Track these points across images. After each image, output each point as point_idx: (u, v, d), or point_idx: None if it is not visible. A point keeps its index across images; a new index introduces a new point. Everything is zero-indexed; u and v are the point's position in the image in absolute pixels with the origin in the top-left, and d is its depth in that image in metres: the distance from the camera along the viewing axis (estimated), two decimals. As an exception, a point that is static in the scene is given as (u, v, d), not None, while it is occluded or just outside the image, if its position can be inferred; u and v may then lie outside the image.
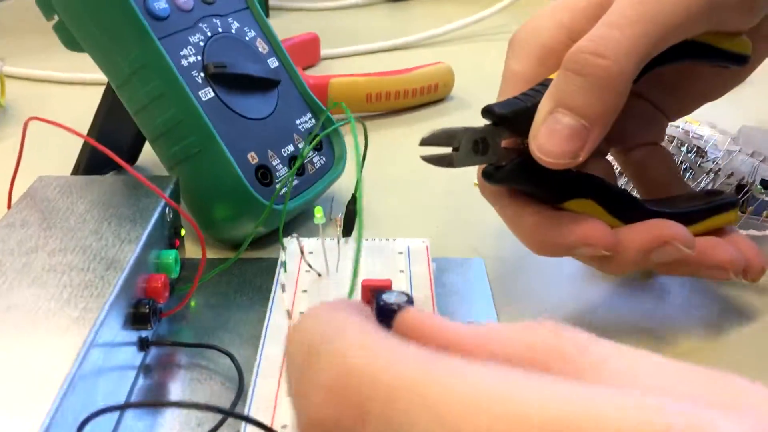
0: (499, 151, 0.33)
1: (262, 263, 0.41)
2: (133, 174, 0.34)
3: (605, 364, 0.17)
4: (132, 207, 0.36)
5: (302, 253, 0.37)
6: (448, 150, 0.32)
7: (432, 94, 0.61)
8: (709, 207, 0.36)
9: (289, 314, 0.34)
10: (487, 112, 0.32)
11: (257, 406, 0.30)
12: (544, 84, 0.33)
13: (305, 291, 0.36)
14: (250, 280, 0.40)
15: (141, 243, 0.33)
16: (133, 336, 0.33)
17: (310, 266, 0.37)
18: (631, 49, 0.31)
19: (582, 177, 0.33)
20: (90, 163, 0.46)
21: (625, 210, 0.34)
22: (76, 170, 0.46)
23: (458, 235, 0.44)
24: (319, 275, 0.38)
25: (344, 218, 0.39)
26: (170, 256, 0.36)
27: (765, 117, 0.58)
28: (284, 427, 0.29)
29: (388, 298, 0.29)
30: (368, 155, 0.47)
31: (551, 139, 0.30)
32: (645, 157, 0.41)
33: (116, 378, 0.31)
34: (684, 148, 0.47)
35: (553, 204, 0.33)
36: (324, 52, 0.72)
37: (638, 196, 0.41)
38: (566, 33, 0.35)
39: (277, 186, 0.41)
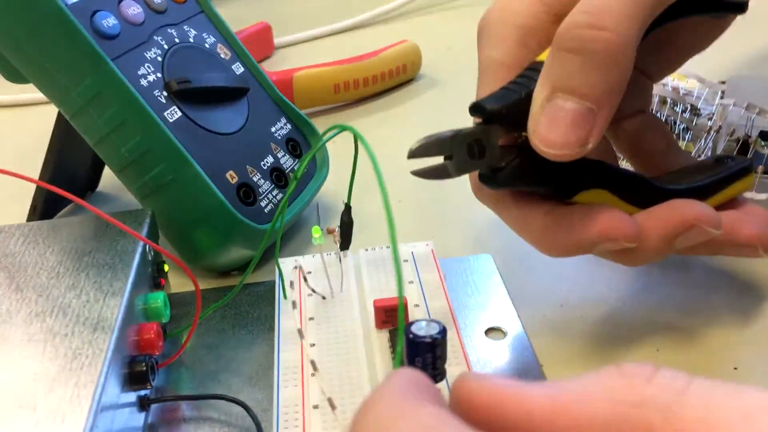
0: (497, 152, 0.29)
1: (255, 290, 0.38)
2: (104, 218, 0.30)
3: (713, 414, 0.15)
4: (109, 251, 0.33)
5: (305, 279, 0.34)
6: (440, 159, 0.29)
7: (401, 76, 0.58)
8: (722, 176, 0.33)
9: (301, 333, 0.31)
10: (476, 110, 0.29)
11: (285, 462, 0.27)
12: (533, 68, 0.30)
13: (312, 318, 0.34)
14: (247, 311, 0.37)
15: (126, 293, 0.30)
16: (131, 397, 0.29)
17: (313, 290, 0.34)
18: (632, 16, 0.28)
19: (590, 165, 0.30)
20: (48, 204, 0.42)
21: (639, 194, 0.31)
22: (33, 213, 0.42)
23: (460, 232, 0.42)
24: (324, 298, 0.35)
25: (341, 230, 0.36)
26: (158, 299, 0.33)
27: (748, 65, 0.57)
28: (319, 483, 0.26)
29: (418, 330, 0.27)
30: (348, 152, 0.44)
31: (554, 128, 0.27)
32: (637, 128, 0.37)
33: (122, 450, 0.28)
34: (678, 108, 0.45)
35: (562, 200, 0.30)
36: (277, 41, 0.68)
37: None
38: (545, 9, 0.31)
39: (262, 203, 0.38)
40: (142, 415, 0.30)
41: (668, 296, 0.35)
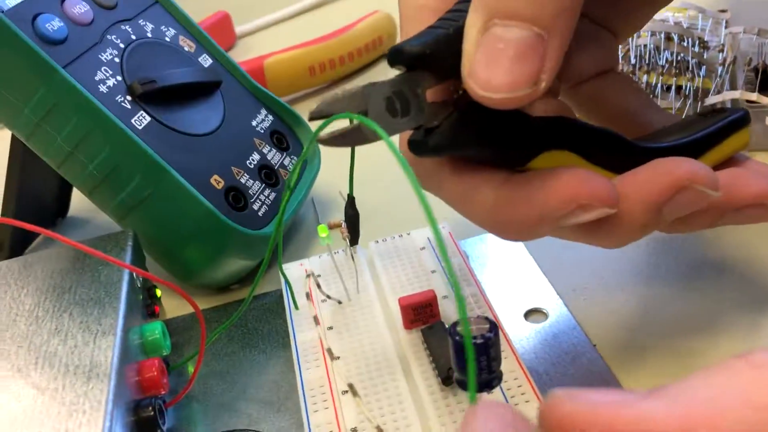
0: (426, 107, 0.23)
1: (260, 302, 0.34)
2: (82, 248, 0.26)
3: None
4: (92, 284, 0.29)
5: (318, 286, 0.30)
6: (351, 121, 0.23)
7: (377, 50, 0.54)
8: (712, 131, 0.26)
9: (331, 354, 0.27)
10: (396, 53, 0.23)
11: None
12: (463, 1, 0.24)
13: (331, 328, 0.30)
14: (255, 328, 0.33)
15: (119, 330, 0.26)
16: (141, 447, 0.26)
17: (327, 296, 0.30)
18: None
19: (548, 121, 0.24)
20: (15, 239, 0.38)
21: (612, 156, 0.25)
22: (0, 250, 0.38)
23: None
24: (340, 303, 0.31)
25: (347, 224, 0.32)
26: (155, 330, 0.29)
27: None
28: None
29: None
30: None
31: (495, 65, 0.21)
32: (602, 88, 0.31)
33: None
34: (686, 42, 0.42)
35: (514, 168, 0.24)
36: (239, 29, 0.64)
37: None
38: None
39: (255, 206, 0.34)
40: (156, 465, 0.26)
41: (720, 258, 0.32)
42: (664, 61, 0.40)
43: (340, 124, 0.23)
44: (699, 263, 0.32)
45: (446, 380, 0.26)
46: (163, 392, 0.27)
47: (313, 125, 0.24)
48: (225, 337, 0.33)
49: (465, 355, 0.22)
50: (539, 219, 0.23)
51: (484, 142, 0.24)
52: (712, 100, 0.37)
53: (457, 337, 0.22)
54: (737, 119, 0.27)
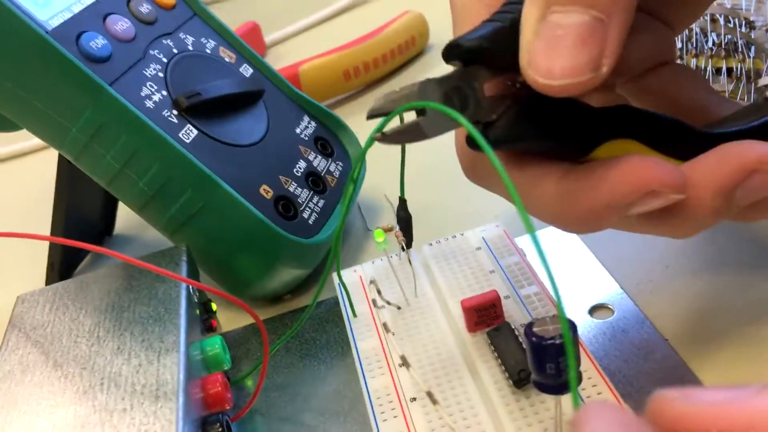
0: (484, 102, 0.22)
1: (315, 312, 0.34)
2: (137, 264, 0.26)
3: None
4: (150, 301, 0.28)
5: (379, 293, 0.29)
6: (411, 116, 0.22)
7: (410, 51, 0.54)
8: None
9: (406, 362, 0.27)
10: (452, 48, 0.23)
11: None
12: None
13: (393, 333, 0.29)
14: (313, 338, 0.32)
15: (182, 346, 0.26)
16: (210, 465, 0.25)
17: (387, 302, 0.30)
18: None
19: (610, 111, 0.23)
20: (66, 259, 0.37)
21: (677, 143, 0.24)
22: (51, 272, 0.38)
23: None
24: (399, 308, 0.30)
25: (401, 227, 0.31)
26: (216, 344, 0.29)
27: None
28: None
29: (544, 331, 0.22)
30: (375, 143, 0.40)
31: (555, 53, 0.21)
32: (665, 80, 0.30)
33: None
34: (732, 23, 0.41)
35: (576, 159, 0.23)
36: (268, 39, 0.64)
37: None
38: None
39: (305, 215, 0.34)
40: (226, 483, 0.26)
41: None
42: (711, 44, 0.39)
43: (395, 122, 0.22)
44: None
45: (518, 383, 0.25)
46: (227, 407, 0.27)
47: (369, 125, 0.23)
48: (282, 349, 0.32)
49: (547, 356, 0.21)
50: (606, 208, 0.22)
51: (544, 134, 0.23)
52: (766, 80, 0.36)
53: (534, 338, 0.21)
54: None
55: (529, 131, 0.23)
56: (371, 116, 0.22)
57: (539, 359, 0.21)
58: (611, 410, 0.14)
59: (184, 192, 0.31)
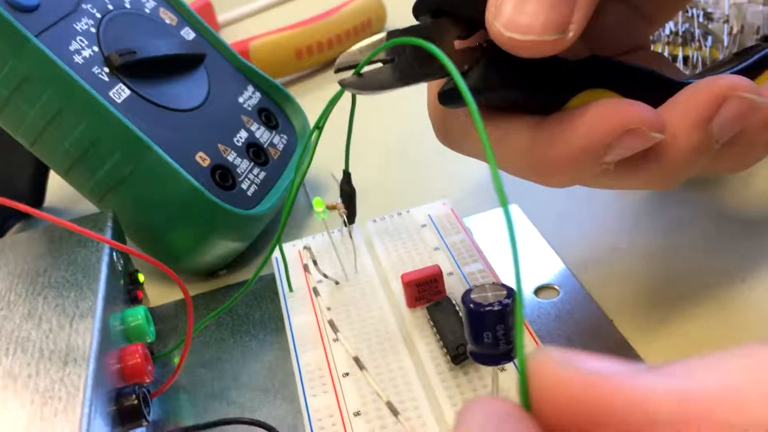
0: (454, 55, 0.22)
1: (250, 289, 0.32)
2: (60, 224, 0.24)
3: None
4: (68, 267, 0.26)
5: (314, 263, 0.28)
6: (378, 65, 0.22)
7: (366, 33, 0.52)
8: (748, 64, 0.25)
9: (333, 327, 0.25)
10: (421, 3, 0.22)
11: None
12: None
13: (329, 309, 0.28)
14: (246, 314, 0.31)
15: (98, 312, 0.24)
16: (124, 439, 0.23)
17: (324, 275, 0.28)
18: None
19: (583, 61, 0.22)
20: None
21: (652, 91, 0.23)
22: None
23: (475, 187, 0.36)
24: (337, 283, 0.29)
25: (343, 202, 0.30)
26: (138, 315, 0.27)
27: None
28: None
29: (482, 297, 0.21)
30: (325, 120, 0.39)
31: (522, 6, 0.20)
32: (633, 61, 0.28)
33: None
34: (690, 12, 0.40)
35: (549, 111, 0.22)
36: (221, 18, 0.62)
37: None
38: None
39: (243, 185, 0.32)
40: (141, 459, 0.24)
41: (734, 223, 0.30)
42: (668, 32, 0.39)
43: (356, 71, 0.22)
44: (719, 229, 0.30)
45: (456, 358, 0.24)
46: (147, 381, 0.25)
47: (320, 104, 0.22)
48: (213, 325, 0.30)
49: (485, 324, 0.20)
50: (582, 153, 0.21)
51: (516, 85, 0.22)
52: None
53: (472, 305, 0.20)
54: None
55: (502, 81, 0.22)
56: (339, 69, 0.22)
57: (476, 327, 0.20)
58: (492, 402, 0.12)
59: (113, 154, 0.29)
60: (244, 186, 0.32)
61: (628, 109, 0.21)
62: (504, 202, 0.14)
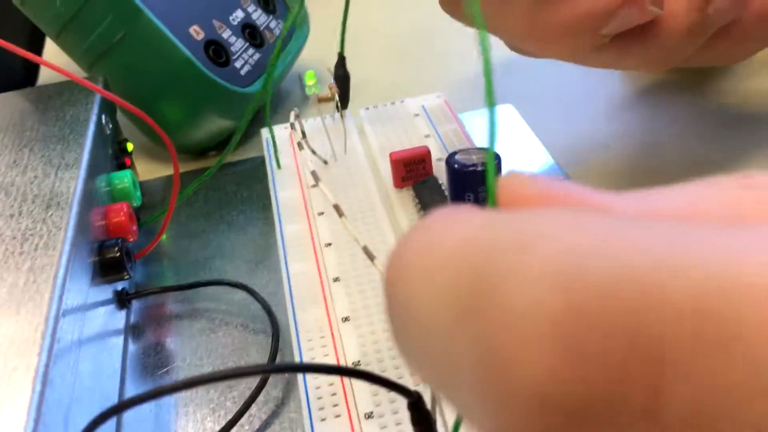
0: None
1: (239, 169, 0.32)
2: (54, 68, 0.24)
3: None
4: (56, 122, 0.26)
5: (303, 135, 0.27)
6: None
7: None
8: None
9: (317, 178, 0.25)
10: None
11: (309, 345, 0.21)
12: None
13: (314, 185, 0.28)
14: (234, 191, 0.31)
15: (83, 164, 0.24)
16: (106, 292, 0.24)
17: (313, 151, 0.28)
18: None
19: None
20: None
21: None
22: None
23: (472, 85, 0.36)
24: (326, 163, 0.29)
25: (337, 85, 0.29)
26: (125, 178, 0.27)
27: None
28: (356, 363, 0.21)
29: (467, 159, 0.21)
30: (321, 12, 0.38)
31: None
32: None
33: (100, 352, 0.22)
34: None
35: None
36: None
37: None
38: None
39: (237, 64, 0.32)
40: (123, 313, 0.25)
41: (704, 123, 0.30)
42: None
43: None
44: (708, 126, 0.30)
45: (439, 232, 0.24)
46: (131, 240, 0.25)
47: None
48: (201, 199, 0.30)
49: (467, 183, 0.20)
50: (584, 18, 0.20)
51: None
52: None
53: (456, 165, 0.20)
54: None
55: None
56: None
57: (459, 187, 0.20)
58: (456, 207, 0.12)
59: (104, 17, 0.28)
60: (237, 65, 0.32)
61: None
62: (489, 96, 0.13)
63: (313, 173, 0.21)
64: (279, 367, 0.20)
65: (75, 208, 0.22)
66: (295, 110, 0.26)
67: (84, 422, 0.13)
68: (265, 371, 0.19)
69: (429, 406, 0.15)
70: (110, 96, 0.24)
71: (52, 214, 0.21)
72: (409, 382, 0.19)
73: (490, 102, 0.13)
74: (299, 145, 0.26)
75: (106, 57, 0.29)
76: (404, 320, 0.09)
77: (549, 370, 0.06)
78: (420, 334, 0.08)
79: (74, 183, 0.23)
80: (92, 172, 0.24)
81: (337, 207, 0.19)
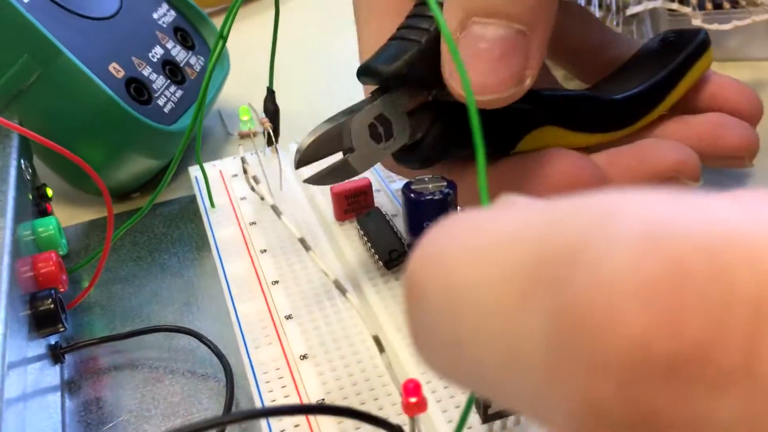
0: (409, 123, 0.22)
1: (166, 210, 0.31)
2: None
3: None
4: (-30, 170, 0.25)
5: (245, 172, 0.27)
6: (339, 156, 0.22)
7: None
8: (678, 63, 0.26)
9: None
10: (370, 75, 0.21)
11: (268, 387, 0.21)
12: (422, 4, 0.22)
13: (254, 223, 0.27)
14: (163, 234, 0.30)
15: (9, 211, 0.22)
16: (39, 346, 0.22)
17: (252, 188, 0.28)
18: None
19: (527, 101, 0.21)
20: None
21: (592, 118, 0.24)
22: None
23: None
24: (262, 199, 0.28)
25: (269, 118, 0.29)
26: (50, 225, 0.25)
27: None
28: (320, 401, 0.20)
29: (423, 188, 0.21)
30: (239, 49, 0.38)
31: (477, 67, 0.20)
32: (562, 23, 0.28)
33: (40, 410, 0.20)
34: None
35: (502, 155, 0.23)
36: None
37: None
38: None
39: (159, 102, 0.31)
40: (57, 369, 0.23)
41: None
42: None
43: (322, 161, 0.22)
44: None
45: (388, 263, 0.24)
46: (62, 290, 0.23)
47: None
48: (129, 243, 0.29)
49: (425, 213, 0.20)
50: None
51: (470, 142, 0.22)
52: (633, 10, 0.37)
53: (413, 195, 0.20)
54: (700, 42, 0.26)
55: (455, 142, 0.22)
56: (300, 166, 0.21)
57: (417, 218, 0.20)
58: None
59: (20, 56, 0.27)
60: (160, 102, 0.31)
61: (576, 171, 0.22)
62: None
63: (274, 207, 0.21)
64: (259, 411, 0.19)
65: (6, 259, 0.20)
66: (215, 165, 0.26)
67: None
68: (249, 416, 0.18)
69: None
70: (32, 135, 0.22)
71: (-19, 268, 0.20)
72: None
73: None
74: (254, 179, 0.25)
75: (21, 98, 0.28)
76: (441, 316, 0.09)
77: (646, 330, 0.07)
78: (471, 325, 0.08)
79: (2, 232, 0.21)
80: (17, 219, 0.23)
81: (302, 241, 0.19)
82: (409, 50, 0.21)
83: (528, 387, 0.08)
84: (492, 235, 0.09)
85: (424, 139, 0.22)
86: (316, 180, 0.22)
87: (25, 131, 0.23)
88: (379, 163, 0.24)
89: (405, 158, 0.22)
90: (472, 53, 0.20)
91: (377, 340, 0.17)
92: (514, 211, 0.09)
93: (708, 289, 0.06)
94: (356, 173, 0.22)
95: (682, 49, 0.26)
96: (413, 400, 0.16)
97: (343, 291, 0.18)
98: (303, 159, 0.21)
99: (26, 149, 0.28)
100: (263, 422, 0.20)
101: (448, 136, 0.22)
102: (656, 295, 0.07)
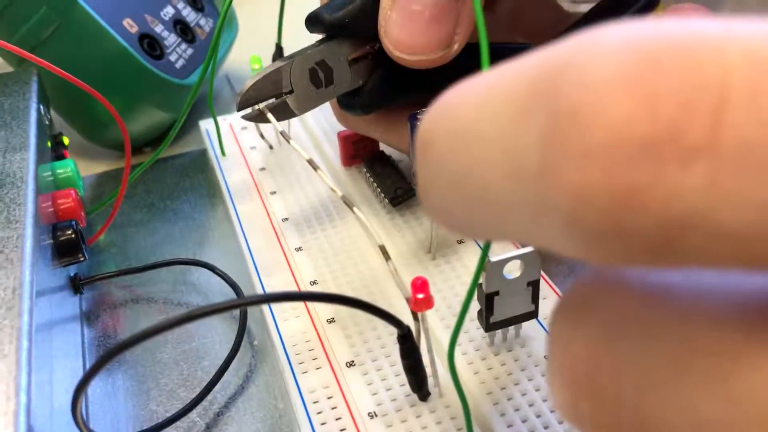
0: (350, 71, 0.23)
1: (177, 162, 0.32)
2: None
3: None
4: (-7, 112, 0.26)
5: (263, 113, 0.28)
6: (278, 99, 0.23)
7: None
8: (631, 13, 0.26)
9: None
10: (314, 22, 0.23)
11: (281, 308, 0.22)
12: None
13: (263, 169, 0.28)
14: (175, 183, 0.31)
15: (32, 147, 0.23)
16: (60, 277, 0.23)
17: (261, 135, 0.29)
18: None
19: (468, 51, 0.22)
20: None
21: None
22: None
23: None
24: (271, 147, 0.29)
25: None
26: (68, 167, 0.26)
27: None
28: (314, 283, 0.21)
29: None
30: (249, 15, 0.39)
31: (409, 27, 0.21)
32: (520, 4, 0.30)
33: (64, 336, 0.21)
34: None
35: None
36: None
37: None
38: None
39: (171, 58, 0.32)
40: (76, 299, 0.24)
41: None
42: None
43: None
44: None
45: (394, 200, 0.25)
46: (82, 225, 0.25)
47: None
48: (142, 191, 0.30)
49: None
50: None
51: (409, 92, 0.24)
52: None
53: (419, 123, 0.21)
54: (648, 2, 0.26)
55: (396, 91, 0.24)
56: (242, 108, 0.22)
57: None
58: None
59: (39, 8, 0.28)
60: (172, 58, 0.32)
61: None
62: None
63: (282, 133, 0.22)
64: (279, 295, 0.20)
65: (31, 184, 0.21)
66: (225, 119, 0.27)
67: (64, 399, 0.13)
68: (266, 300, 0.19)
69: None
70: (62, 73, 0.24)
71: (8, 192, 0.21)
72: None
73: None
74: (282, 134, 0.26)
75: (38, 49, 0.29)
76: (448, 155, 0.10)
77: (626, 115, 0.08)
78: (476, 154, 0.09)
79: (25, 164, 0.22)
80: (38, 157, 0.24)
81: (311, 162, 0.20)
82: (354, 2, 0.22)
83: (527, 201, 0.09)
84: (491, 78, 0.10)
85: (365, 85, 0.23)
86: (253, 117, 0.23)
87: (56, 69, 0.24)
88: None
89: (347, 104, 0.24)
90: (405, 14, 0.21)
91: (383, 249, 0.18)
92: (505, 66, 0.10)
93: (679, 77, 0.08)
94: (294, 115, 0.23)
95: (629, 6, 0.26)
96: (421, 296, 0.17)
97: (350, 206, 0.19)
98: (243, 101, 0.22)
99: (44, 98, 0.29)
100: (275, 340, 0.21)
101: (388, 84, 0.23)
102: (634, 85, 0.08)
